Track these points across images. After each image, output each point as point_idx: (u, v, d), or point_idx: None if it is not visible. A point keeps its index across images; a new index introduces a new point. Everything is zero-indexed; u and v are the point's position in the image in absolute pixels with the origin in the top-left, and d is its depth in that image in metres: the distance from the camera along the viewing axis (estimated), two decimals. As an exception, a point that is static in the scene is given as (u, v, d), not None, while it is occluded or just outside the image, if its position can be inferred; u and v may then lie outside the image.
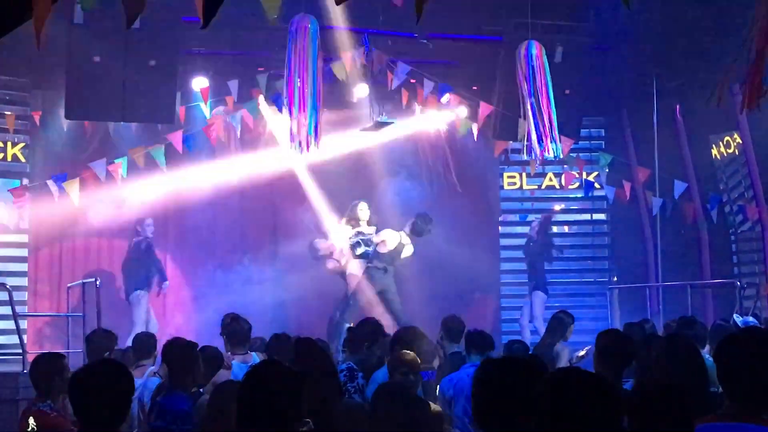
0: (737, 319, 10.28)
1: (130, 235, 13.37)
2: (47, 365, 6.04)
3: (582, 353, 9.20)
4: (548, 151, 11.45)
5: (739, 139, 13.80)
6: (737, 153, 13.95)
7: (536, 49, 11.25)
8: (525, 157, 11.75)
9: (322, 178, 14.66)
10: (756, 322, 10.10)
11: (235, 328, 7.85)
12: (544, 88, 11.26)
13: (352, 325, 9.38)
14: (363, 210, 13.34)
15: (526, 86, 11.21)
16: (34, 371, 6.08)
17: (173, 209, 14.40)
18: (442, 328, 8.46)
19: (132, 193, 13.46)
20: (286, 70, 10.06)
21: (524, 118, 11.26)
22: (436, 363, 8.36)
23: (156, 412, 6.03)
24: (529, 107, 11.10)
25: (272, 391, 3.68)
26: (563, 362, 8.72)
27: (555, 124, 11.09)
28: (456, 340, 8.12)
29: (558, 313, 9.60)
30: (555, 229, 16.07)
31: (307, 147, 10.00)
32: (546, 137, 11.17)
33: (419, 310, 13.10)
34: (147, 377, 7.38)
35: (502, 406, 3.43)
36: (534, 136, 11.13)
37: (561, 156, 11.75)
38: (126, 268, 13.14)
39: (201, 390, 6.29)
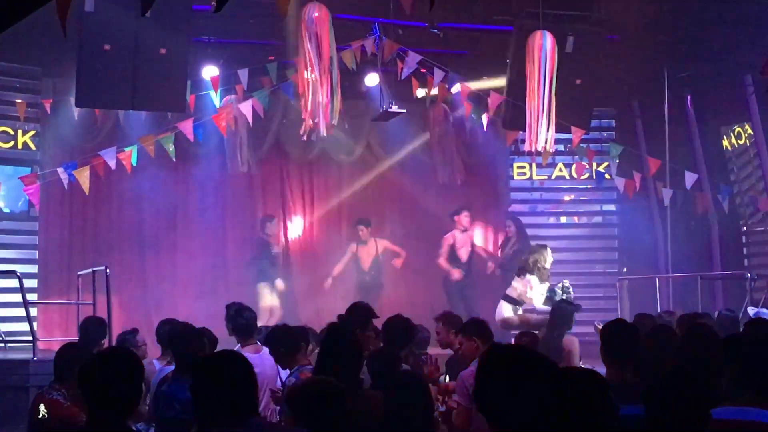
0: (750, 310, 10.27)
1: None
2: (71, 353, 6.03)
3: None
4: (551, 144, 11.48)
5: (750, 130, 13.77)
6: (748, 144, 13.92)
7: (548, 40, 11.23)
8: (529, 147, 11.72)
9: (332, 167, 14.69)
10: (768, 313, 10.09)
11: (240, 319, 7.86)
12: (552, 80, 11.24)
13: None
14: (549, 258, 11.06)
15: (536, 76, 11.21)
16: (58, 358, 6.08)
17: (182, 198, 14.44)
18: (445, 323, 8.39)
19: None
20: (303, 59, 10.07)
21: (530, 109, 11.26)
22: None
23: (164, 401, 6.01)
24: (537, 98, 11.10)
25: None
26: (576, 356, 8.71)
27: (552, 120, 11.10)
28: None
29: (561, 303, 9.53)
30: (563, 219, 16.09)
31: (326, 130, 10.08)
32: (544, 129, 11.18)
33: (428, 299, 13.12)
34: (163, 365, 7.38)
35: (504, 391, 3.44)
36: (532, 130, 11.18)
37: (550, 148, 11.78)
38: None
39: None
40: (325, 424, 4.28)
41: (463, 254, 13.87)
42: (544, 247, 11.19)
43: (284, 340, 6.74)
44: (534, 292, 10.61)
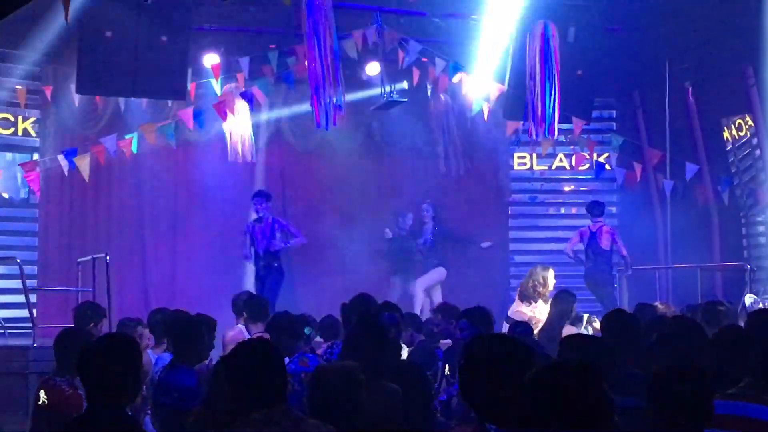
0: (747, 299, 10.30)
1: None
2: (68, 340, 5.99)
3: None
4: (552, 133, 11.50)
5: (751, 122, 13.73)
6: (749, 135, 13.89)
7: (551, 30, 11.24)
8: (534, 137, 11.74)
9: (333, 156, 14.65)
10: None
11: (254, 304, 7.88)
12: (554, 71, 11.26)
13: None
14: (551, 281, 10.91)
15: (538, 67, 11.22)
16: (57, 345, 6.04)
17: (183, 186, 14.44)
18: (444, 314, 8.39)
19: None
20: (306, 47, 10.07)
21: (532, 99, 11.28)
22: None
23: (162, 388, 6.00)
24: (539, 89, 11.12)
25: None
26: None
27: (556, 109, 11.10)
28: None
29: (560, 293, 9.52)
30: (563, 210, 16.09)
31: (334, 122, 10.06)
32: (552, 120, 11.20)
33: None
34: (158, 355, 7.37)
35: (488, 381, 3.43)
36: (536, 119, 11.19)
37: (557, 137, 11.79)
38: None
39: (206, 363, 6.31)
40: (343, 412, 4.23)
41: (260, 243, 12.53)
42: (546, 269, 10.93)
43: (286, 328, 6.79)
44: (544, 315, 10.21)
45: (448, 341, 8.37)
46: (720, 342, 4.73)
